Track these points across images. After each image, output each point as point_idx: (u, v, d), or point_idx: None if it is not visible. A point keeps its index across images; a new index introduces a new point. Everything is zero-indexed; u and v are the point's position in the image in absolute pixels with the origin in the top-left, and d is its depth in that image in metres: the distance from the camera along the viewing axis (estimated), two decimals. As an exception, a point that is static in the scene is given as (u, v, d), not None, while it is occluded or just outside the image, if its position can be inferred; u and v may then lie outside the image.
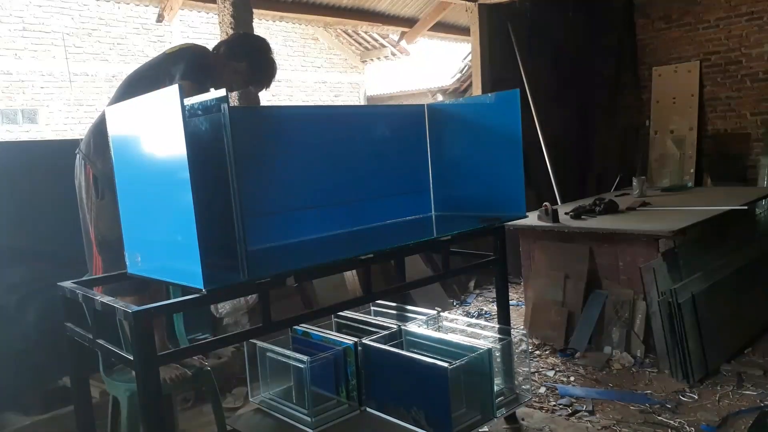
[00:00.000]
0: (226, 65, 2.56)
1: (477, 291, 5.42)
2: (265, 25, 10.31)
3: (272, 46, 2.69)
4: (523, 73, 6.04)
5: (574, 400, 3.08)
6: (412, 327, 2.64)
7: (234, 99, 3.79)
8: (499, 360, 2.52)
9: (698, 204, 4.06)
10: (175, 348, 2.41)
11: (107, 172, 2.30)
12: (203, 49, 2.61)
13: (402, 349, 2.51)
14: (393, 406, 2.35)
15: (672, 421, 2.80)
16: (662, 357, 3.31)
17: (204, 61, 2.52)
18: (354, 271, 4.34)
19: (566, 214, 3.99)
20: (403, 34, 7.42)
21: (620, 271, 3.60)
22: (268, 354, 2.56)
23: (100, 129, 2.36)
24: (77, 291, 2.03)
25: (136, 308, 1.72)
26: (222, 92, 1.81)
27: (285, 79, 12.56)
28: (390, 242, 2.46)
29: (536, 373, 3.43)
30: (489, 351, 2.31)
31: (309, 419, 2.34)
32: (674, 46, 6.71)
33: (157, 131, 1.81)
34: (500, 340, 2.53)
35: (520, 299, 4.68)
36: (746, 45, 6.24)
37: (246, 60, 2.55)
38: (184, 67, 2.39)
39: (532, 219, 3.88)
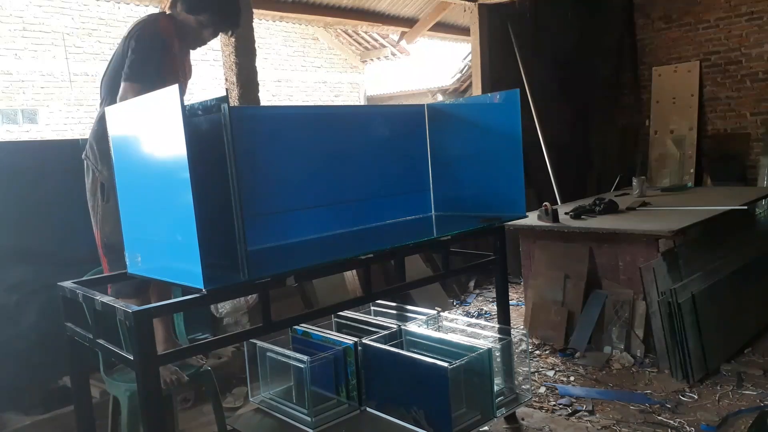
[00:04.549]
0: (188, 20, 2.47)
1: (477, 291, 5.42)
2: (265, 25, 10.32)
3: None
4: (523, 73, 6.05)
5: (574, 400, 3.08)
6: (412, 327, 2.64)
7: (234, 99, 3.80)
8: (499, 360, 2.52)
9: (698, 204, 4.06)
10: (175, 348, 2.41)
11: (113, 180, 2.27)
12: (153, 17, 2.47)
13: (402, 349, 2.51)
14: (393, 406, 2.35)
15: (672, 421, 2.80)
16: (662, 357, 3.31)
17: (153, 29, 2.38)
18: (354, 271, 4.35)
19: (566, 214, 3.99)
20: (403, 34, 7.42)
21: (620, 271, 3.60)
22: (268, 354, 2.56)
23: (100, 134, 2.34)
24: (77, 291, 2.03)
25: (136, 308, 1.72)
26: (222, 92, 1.81)
27: (285, 79, 12.57)
28: (390, 242, 2.45)
29: (536, 373, 3.43)
30: (489, 351, 2.31)
31: (309, 419, 2.33)
32: (674, 46, 6.71)
33: (157, 131, 1.81)
34: (500, 340, 2.53)
35: (520, 299, 4.69)
36: (746, 45, 6.24)
37: (206, 9, 2.46)
38: (135, 44, 2.29)
39: (532, 219, 3.88)
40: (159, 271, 1.96)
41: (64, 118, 10.20)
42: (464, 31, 7.12)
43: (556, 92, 6.57)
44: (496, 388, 2.39)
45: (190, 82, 2.68)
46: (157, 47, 2.33)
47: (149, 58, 2.30)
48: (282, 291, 3.80)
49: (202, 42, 2.57)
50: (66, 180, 3.06)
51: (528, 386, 2.72)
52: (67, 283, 2.13)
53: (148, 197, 1.92)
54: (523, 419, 2.88)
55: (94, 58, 10.20)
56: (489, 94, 2.83)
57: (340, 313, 2.83)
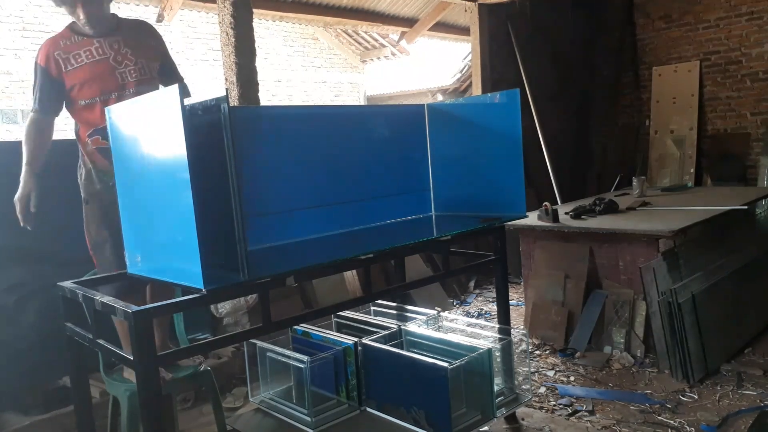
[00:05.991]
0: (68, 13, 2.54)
1: (477, 291, 5.42)
2: (265, 25, 10.32)
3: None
4: (523, 73, 6.05)
5: (574, 400, 3.08)
6: (412, 327, 2.64)
7: (234, 99, 3.80)
8: (499, 360, 2.52)
9: (698, 204, 4.06)
10: (176, 348, 2.41)
11: (83, 187, 2.58)
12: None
13: (402, 349, 2.51)
14: (393, 406, 2.35)
15: (672, 421, 2.80)
16: (662, 357, 3.31)
17: (35, 61, 2.63)
18: (354, 271, 4.35)
19: (566, 214, 3.99)
20: (403, 34, 7.43)
21: (620, 271, 3.60)
22: (268, 354, 2.56)
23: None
24: (77, 291, 2.03)
25: (136, 308, 1.72)
26: (222, 92, 1.82)
27: (285, 79, 12.56)
28: (390, 242, 2.45)
29: (536, 373, 3.43)
30: (489, 351, 2.31)
31: (309, 419, 2.34)
32: (674, 46, 6.71)
33: (157, 131, 1.81)
34: (500, 340, 2.53)
35: (520, 299, 4.68)
36: (746, 45, 6.24)
37: None
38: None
39: (532, 219, 3.88)
40: (159, 271, 1.96)
41: (64, 118, 10.17)
42: (464, 31, 7.12)
43: (556, 92, 6.57)
44: (496, 388, 2.40)
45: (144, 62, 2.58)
46: (39, 77, 2.62)
47: (36, 88, 2.67)
48: (282, 291, 3.80)
49: (82, 21, 2.52)
50: (66, 180, 3.06)
51: (528, 386, 2.73)
52: (67, 283, 2.13)
53: (148, 197, 1.92)
54: (523, 419, 2.88)
55: (94, 58, 10.19)
56: (489, 94, 2.83)
57: (340, 313, 2.83)
